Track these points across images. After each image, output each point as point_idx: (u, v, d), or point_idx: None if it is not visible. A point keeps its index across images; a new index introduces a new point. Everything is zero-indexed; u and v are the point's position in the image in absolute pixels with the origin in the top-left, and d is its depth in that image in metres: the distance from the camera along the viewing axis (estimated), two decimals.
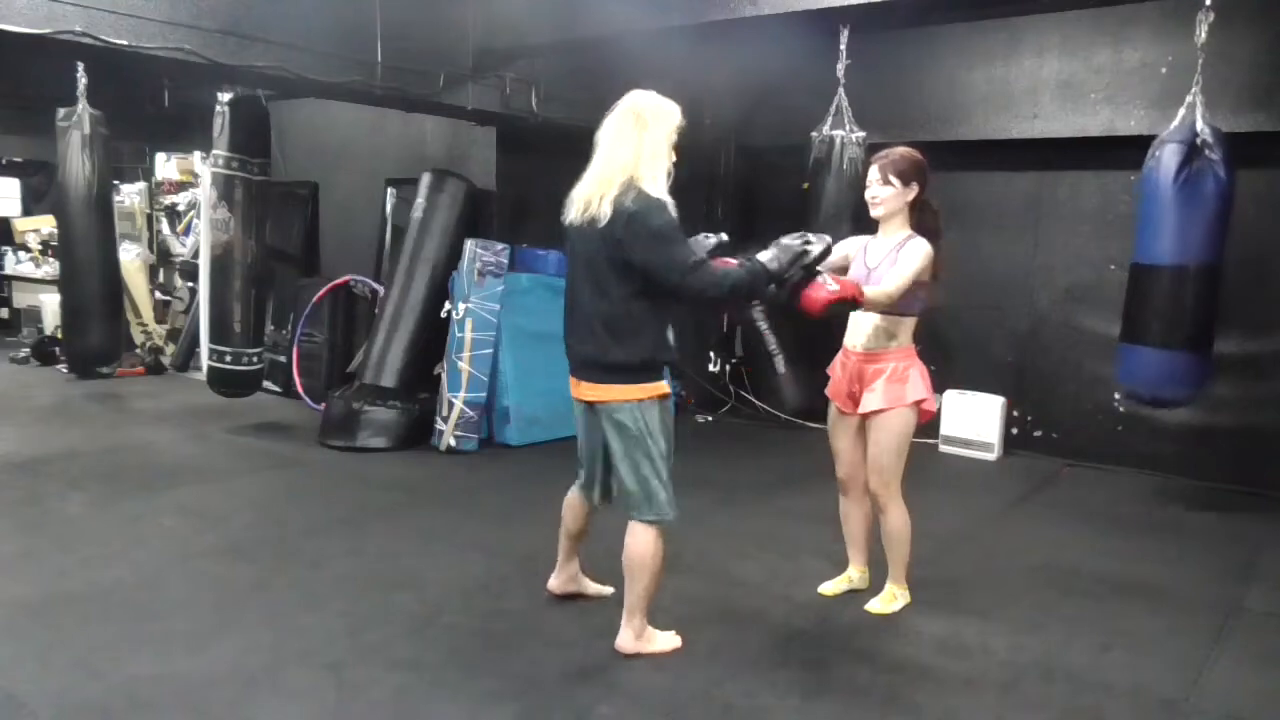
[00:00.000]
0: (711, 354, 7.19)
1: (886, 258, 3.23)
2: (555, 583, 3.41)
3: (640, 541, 2.94)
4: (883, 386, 3.21)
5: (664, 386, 2.91)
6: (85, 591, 3.36)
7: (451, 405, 5.52)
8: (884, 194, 3.23)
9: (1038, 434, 6.06)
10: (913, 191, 3.23)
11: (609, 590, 3.38)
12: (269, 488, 4.85)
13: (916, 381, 3.22)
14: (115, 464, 5.12)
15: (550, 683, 2.81)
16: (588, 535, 3.34)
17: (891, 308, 3.14)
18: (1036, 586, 3.76)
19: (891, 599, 3.42)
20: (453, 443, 5.51)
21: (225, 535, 4.02)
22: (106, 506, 4.39)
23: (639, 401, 2.86)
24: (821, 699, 2.78)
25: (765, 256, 2.89)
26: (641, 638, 3.01)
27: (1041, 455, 5.92)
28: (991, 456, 5.85)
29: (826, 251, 2.94)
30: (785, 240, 2.92)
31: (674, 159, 2.89)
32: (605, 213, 2.76)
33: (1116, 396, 5.75)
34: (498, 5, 5.12)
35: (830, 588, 3.55)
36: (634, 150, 2.82)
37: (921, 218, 3.27)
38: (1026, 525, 4.63)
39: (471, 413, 5.54)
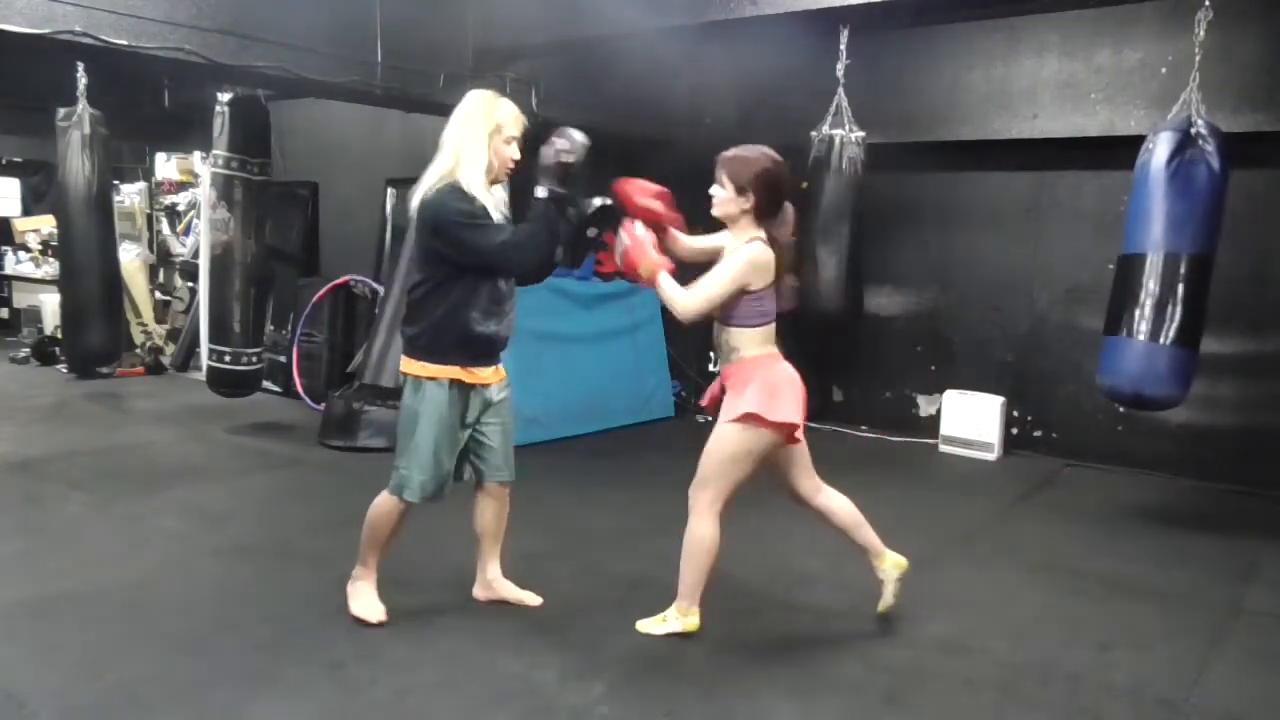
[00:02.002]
0: (712, 354, 7.19)
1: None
2: (476, 590, 3.38)
3: (379, 500, 3.10)
4: (728, 400, 3.02)
5: (447, 370, 2.95)
6: (85, 591, 3.35)
7: None
8: (716, 195, 2.98)
9: (1038, 434, 6.06)
10: (746, 202, 2.93)
11: (536, 600, 3.33)
12: (269, 488, 4.85)
13: (752, 395, 2.93)
14: (115, 464, 5.12)
15: (550, 683, 2.81)
16: (497, 536, 3.31)
17: (725, 320, 2.98)
18: (1036, 586, 3.76)
19: (660, 621, 3.11)
20: None
21: (225, 535, 4.02)
22: (106, 506, 4.39)
23: (415, 378, 2.98)
24: (821, 699, 2.78)
25: (538, 191, 2.89)
26: (356, 584, 3.19)
27: (1041, 455, 5.92)
28: (991, 456, 5.85)
29: (584, 149, 2.86)
30: (542, 158, 2.88)
31: (513, 154, 2.96)
32: (414, 204, 2.92)
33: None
34: (498, 5, 5.12)
35: (881, 602, 3.29)
36: (453, 147, 2.92)
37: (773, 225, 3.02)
38: (1026, 525, 4.63)
39: None
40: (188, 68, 4.35)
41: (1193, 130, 4.07)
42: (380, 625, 3.09)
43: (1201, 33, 4.05)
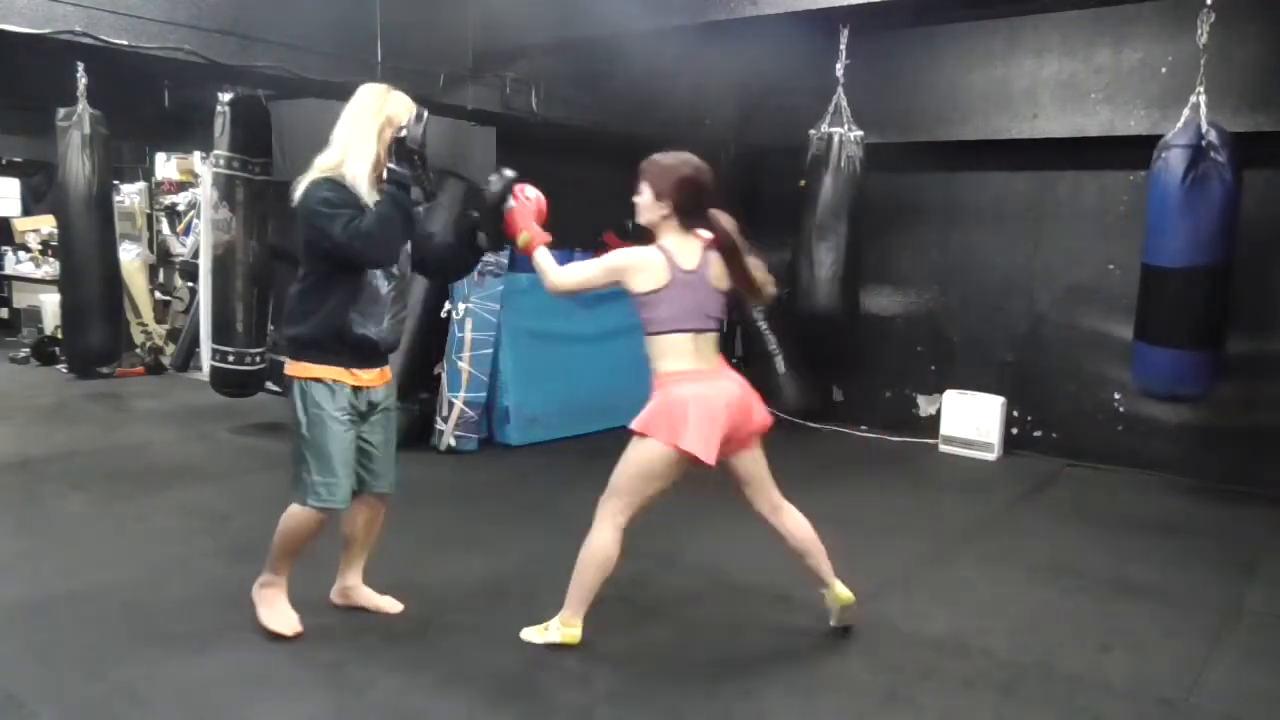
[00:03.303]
0: None
1: None
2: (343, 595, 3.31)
3: (289, 513, 2.97)
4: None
5: (331, 370, 2.87)
6: (85, 591, 3.35)
7: (451, 405, 5.52)
8: (637, 202, 2.93)
9: (1038, 434, 6.06)
10: (665, 207, 2.87)
11: (397, 606, 3.25)
12: (269, 488, 4.83)
13: (646, 413, 2.88)
14: (115, 464, 5.12)
15: (550, 683, 2.81)
16: (366, 544, 3.22)
17: (644, 330, 2.91)
18: (1036, 586, 3.75)
19: (543, 630, 3.02)
20: (453, 443, 5.51)
21: (225, 535, 4.02)
22: (106, 506, 4.39)
23: (296, 379, 2.90)
24: (821, 699, 2.78)
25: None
26: (262, 591, 3.06)
27: (1041, 455, 5.92)
28: (991, 456, 5.85)
29: (422, 124, 2.83)
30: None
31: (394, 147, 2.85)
32: (295, 197, 2.88)
33: (1117, 396, 5.76)
34: (498, 5, 5.12)
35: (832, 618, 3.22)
36: (341, 141, 2.87)
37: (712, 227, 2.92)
38: (1026, 525, 4.62)
39: (471, 413, 5.54)
40: (188, 68, 4.35)
41: (1204, 141, 4.14)
42: (297, 637, 2.97)
43: (1205, 35, 4.05)
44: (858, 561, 3.93)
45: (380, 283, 2.93)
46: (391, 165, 2.81)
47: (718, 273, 2.94)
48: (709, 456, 2.83)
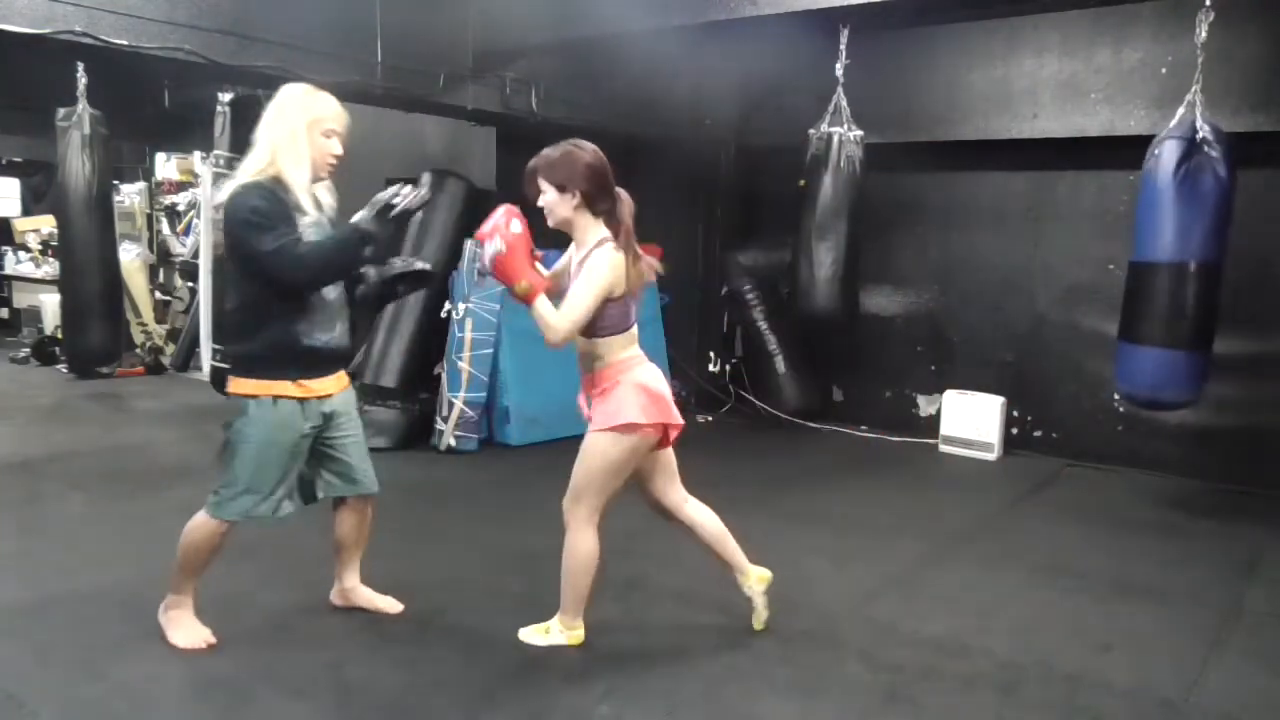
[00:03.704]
0: (711, 354, 7.19)
1: (577, 271, 2.85)
2: (332, 593, 3.31)
3: (196, 522, 2.90)
4: (597, 408, 2.89)
5: (276, 386, 2.77)
6: (85, 591, 3.35)
7: (451, 405, 5.52)
8: (544, 203, 2.82)
9: (1038, 434, 6.06)
10: (573, 198, 2.78)
11: (396, 606, 3.26)
12: None
13: (623, 404, 2.82)
14: (115, 464, 5.12)
15: (550, 683, 2.81)
16: (358, 546, 3.20)
17: (589, 333, 2.81)
18: (1036, 586, 3.75)
19: (543, 632, 3.03)
20: (453, 443, 5.51)
21: (225, 535, 4.01)
22: (106, 506, 4.39)
23: (243, 397, 2.80)
24: (821, 699, 2.78)
25: (357, 216, 2.77)
26: (168, 614, 2.98)
27: (1041, 455, 5.92)
28: (991, 456, 5.85)
29: (422, 202, 2.82)
30: (378, 195, 2.78)
31: (333, 149, 2.85)
32: (221, 200, 2.79)
33: (1116, 396, 5.76)
34: (498, 5, 5.12)
35: (755, 618, 3.18)
36: (268, 142, 2.75)
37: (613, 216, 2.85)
38: (1026, 525, 4.62)
39: (471, 413, 5.54)
40: (188, 68, 4.35)
41: (1198, 136, 4.10)
42: (211, 647, 2.92)
43: (1203, 34, 4.05)
44: (858, 561, 3.95)
45: (331, 290, 2.85)
46: (370, 223, 2.73)
47: (634, 264, 2.87)
48: (673, 419, 2.90)
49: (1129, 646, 3.21)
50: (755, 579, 3.13)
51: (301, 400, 2.82)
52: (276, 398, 2.78)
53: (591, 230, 2.83)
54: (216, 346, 2.96)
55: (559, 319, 2.75)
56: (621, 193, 2.84)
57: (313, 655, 2.93)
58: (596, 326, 2.80)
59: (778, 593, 3.50)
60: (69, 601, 3.26)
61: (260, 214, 2.65)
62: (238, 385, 2.82)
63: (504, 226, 2.76)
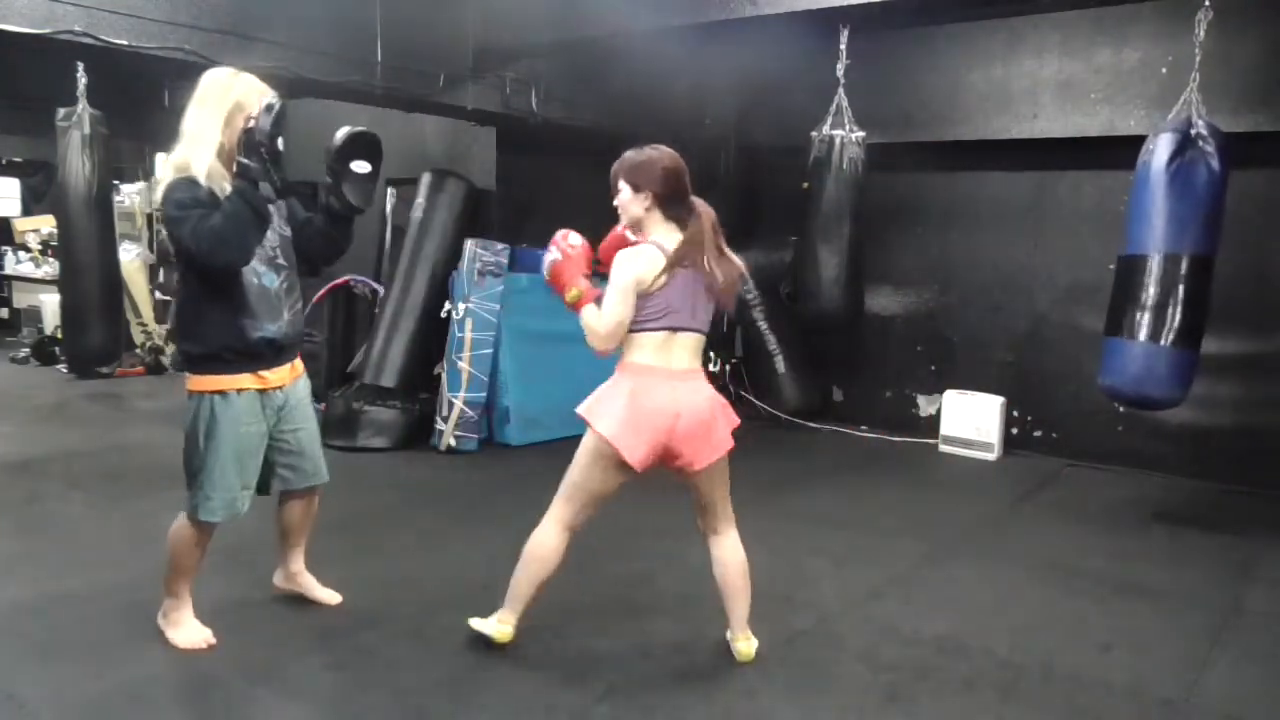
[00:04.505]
0: (711, 354, 7.19)
1: None
2: (276, 577, 3.35)
3: (177, 526, 2.94)
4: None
5: (233, 380, 2.78)
6: (85, 591, 3.35)
7: (451, 405, 5.52)
8: (620, 202, 2.81)
9: (1038, 434, 6.06)
10: (646, 199, 2.74)
11: (336, 598, 3.29)
12: None
13: (602, 403, 2.77)
14: (115, 464, 5.12)
15: (550, 683, 2.81)
16: (303, 533, 3.24)
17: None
18: (1036, 586, 3.75)
19: (485, 621, 2.99)
20: (453, 443, 5.51)
21: (225, 535, 4.00)
22: (106, 506, 4.39)
23: (199, 394, 2.80)
24: (821, 699, 2.78)
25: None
26: (167, 617, 2.99)
27: (1041, 455, 5.92)
28: (991, 456, 5.85)
29: (272, 118, 2.64)
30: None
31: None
32: (157, 199, 2.78)
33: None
34: (498, 5, 5.12)
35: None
36: (189, 134, 2.72)
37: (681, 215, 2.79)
38: (1026, 525, 4.63)
39: (471, 413, 5.54)
40: (188, 68, 4.34)
41: (1193, 131, 4.07)
42: (211, 648, 2.92)
43: (1202, 34, 4.05)
44: (858, 561, 3.95)
45: (267, 279, 2.83)
46: (240, 158, 2.63)
47: (708, 270, 2.77)
48: (633, 456, 2.70)
49: (1129, 646, 3.21)
50: (740, 648, 2.97)
51: (261, 391, 2.84)
52: (239, 391, 2.80)
53: (659, 231, 2.76)
54: (179, 346, 2.94)
55: (595, 319, 2.73)
56: (699, 202, 2.79)
57: (312, 655, 2.93)
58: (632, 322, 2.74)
59: (778, 592, 3.50)
60: (69, 601, 3.26)
61: (181, 206, 2.64)
62: (197, 383, 2.81)
63: (561, 239, 2.84)
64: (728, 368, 7.11)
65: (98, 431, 5.92)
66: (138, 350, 8.01)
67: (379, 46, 4.78)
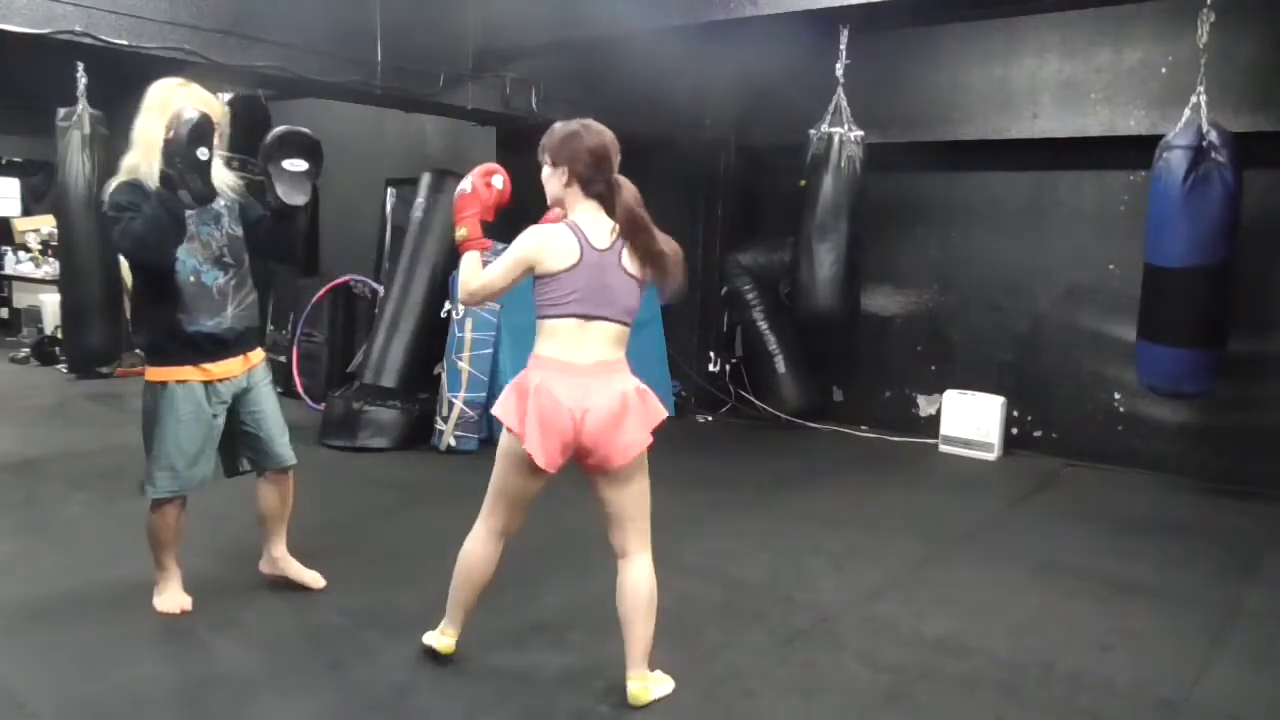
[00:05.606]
0: (711, 354, 7.19)
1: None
2: (261, 564, 3.47)
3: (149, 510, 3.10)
4: None
5: (178, 372, 2.96)
6: (85, 591, 3.35)
7: (451, 405, 5.52)
8: (543, 176, 2.65)
9: (1038, 434, 6.06)
10: (563, 174, 2.57)
11: (320, 582, 3.40)
12: None
13: (504, 397, 2.63)
14: (115, 464, 5.12)
15: (550, 683, 2.81)
16: (281, 518, 3.36)
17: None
18: (1036, 586, 3.75)
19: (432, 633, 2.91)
20: (453, 443, 5.51)
21: (224, 535, 4.02)
22: (106, 506, 4.39)
23: (150, 383, 3.00)
24: (821, 699, 2.78)
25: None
26: (156, 586, 3.18)
27: (1041, 455, 5.92)
28: (991, 456, 5.85)
29: (188, 125, 2.75)
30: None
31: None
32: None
33: (1117, 396, 5.76)
34: (498, 5, 5.12)
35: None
36: (137, 141, 2.89)
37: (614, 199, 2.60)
38: (1026, 525, 4.62)
39: (471, 413, 5.54)
40: (188, 68, 4.34)
41: (1205, 142, 4.14)
42: (184, 613, 3.11)
43: (1205, 36, 4.05)
44: (858, 561, 3.95)
45: (209, 276, 2.98)
46: (161, 167, 2.81)
47: (632, 256, 2.58)
48: (541, 456, 2.52)
49: (1129, 646, 3.21)
50: (633, 690, 2.68)
51: (205, 383, 3.00)
52: (180, 381, 2.96)
53: (581, 210, 2.58)
54: (134, 338, 3.14)
55: (470, 273, 2.66)
56: (622, 179, 2.61)
57: (313, 654, 2.93)
58: (536, 302, 2.58)
59: (778, 592, 3.50)
60: (69, 601, 3.26)
61: (116, 208, 2.80)
62: (149, 373, 3.01)
63: (482, 174, 2.78)
64: (728, 368, 7.11)
65: (98, 431, 5.92)
66: (138, 350, 8.01)
67: (379, 46, 4.78)
